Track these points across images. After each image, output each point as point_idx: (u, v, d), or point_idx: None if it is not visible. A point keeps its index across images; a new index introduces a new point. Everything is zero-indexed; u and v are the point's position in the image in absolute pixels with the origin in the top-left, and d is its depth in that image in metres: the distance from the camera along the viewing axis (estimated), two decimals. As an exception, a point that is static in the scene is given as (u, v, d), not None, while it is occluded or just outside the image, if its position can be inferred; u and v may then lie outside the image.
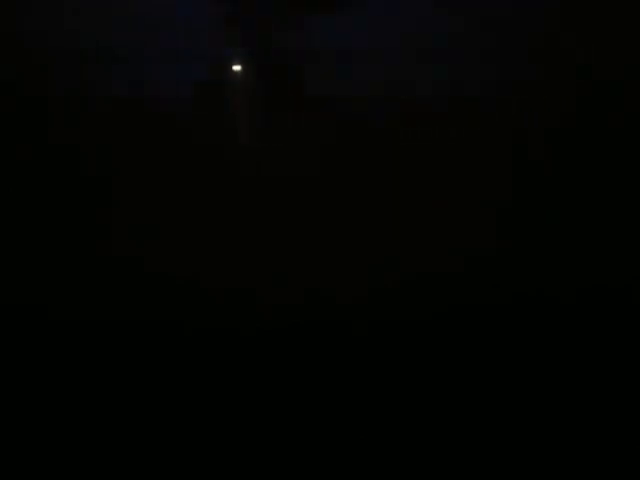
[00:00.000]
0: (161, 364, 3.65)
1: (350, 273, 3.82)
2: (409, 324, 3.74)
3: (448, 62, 3.93)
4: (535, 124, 3.92)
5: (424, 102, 3.94)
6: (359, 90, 3.93)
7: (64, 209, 3.89)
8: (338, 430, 3.51)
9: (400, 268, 3.82)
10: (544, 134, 3.94)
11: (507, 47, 3.93)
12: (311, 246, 3.84)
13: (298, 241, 3.85)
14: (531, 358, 3.68)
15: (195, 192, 3.90)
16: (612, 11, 3.90)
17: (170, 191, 3.90)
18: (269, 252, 3.84)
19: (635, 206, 3.86)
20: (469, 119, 3.94)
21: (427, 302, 3.78)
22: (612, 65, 3.90)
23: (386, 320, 3.75)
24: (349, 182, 3.89)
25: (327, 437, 3.50)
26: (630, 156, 3.89)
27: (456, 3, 3.86)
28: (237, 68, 3.70)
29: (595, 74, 3.91)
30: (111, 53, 3.93)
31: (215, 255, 3.83)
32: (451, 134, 3.94)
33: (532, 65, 3.95)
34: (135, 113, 3.93)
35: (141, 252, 3.82)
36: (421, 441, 3.48)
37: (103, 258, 3.83)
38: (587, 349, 3.68)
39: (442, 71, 3.96)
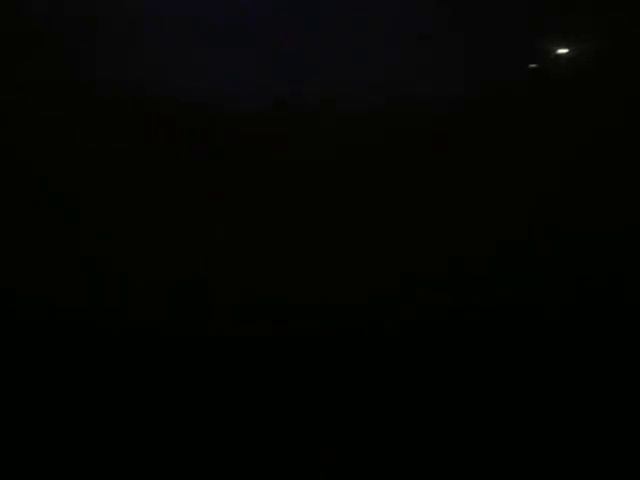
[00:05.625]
0: (155, 367, 3.66)
1: (348, 276, 3.84)
2: (409, 327, 3.76)
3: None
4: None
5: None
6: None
7: (62, 209, 3.90)
8: (338, 433, 3.52)
9: (398, 270, 3.84)
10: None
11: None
12: (309, 248, 3.85)
13: (297, 242, 3.86)
14: (529, 360, 3.70)
15: (194, 193, 3.91)
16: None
17: (168, 191, 3.91)
18: (267, 253, 3.85)
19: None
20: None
21: (426, 305, 3.80)
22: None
23: (386, 322, 3.77)
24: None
25: (327, 439, 3.51)
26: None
27: None
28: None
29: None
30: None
31: (214, 256, 3.84)
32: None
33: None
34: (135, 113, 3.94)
35: (140, 253, 3.83)
36: (425, 442, 3.50)
37: (103, 258, 3.84)
38: (585, 350, 3.70)
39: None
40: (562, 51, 3.98)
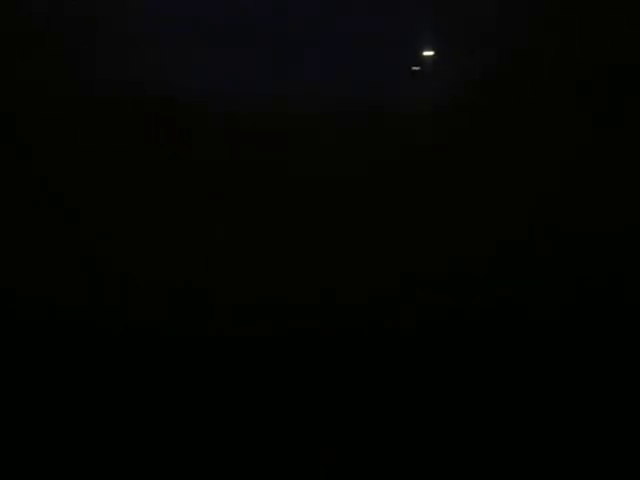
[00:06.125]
0: (155, 367, 3.66)
1: (349, 275, 3.84)
2: (410, 326, 3.76)
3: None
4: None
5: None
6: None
7: (63, 208, 3.90)
8: (338, 433, 3.52)
9: (399, 270, 3.84)
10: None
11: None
12: (311, 248, 3.85)
13: (299, 243, 3.86)
14: (529, 359, 3.69)
15: (195, 194, 3.91)
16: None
17: (168, 191, 3.91)
18: (269, 254, 3.85)
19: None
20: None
21: (426, 304, 3.80)
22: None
23: (387, 322, 3.77)
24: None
25: (327, 439, 3.50)
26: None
27: None
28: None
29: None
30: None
31: (214, 256, 3.84)
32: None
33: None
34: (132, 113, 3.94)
35: (140, 253, 3.83)
36: (423, 442, 3.50)
37: (103, 258, 3.84)
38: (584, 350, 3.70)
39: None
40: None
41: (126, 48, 3.99)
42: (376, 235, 3.91)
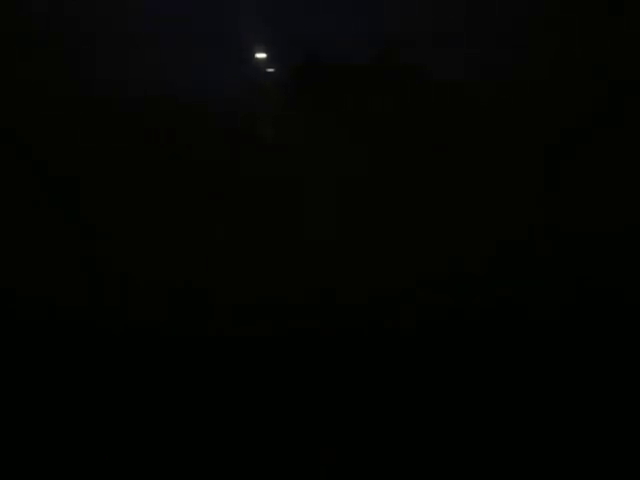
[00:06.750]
0: (155, 367, 3.66)
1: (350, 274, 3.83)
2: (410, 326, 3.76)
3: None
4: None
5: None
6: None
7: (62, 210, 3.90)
8: (338, 433, 3.52)
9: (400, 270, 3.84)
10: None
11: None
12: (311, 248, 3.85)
13: (299, 242, 3.86)
14: (529, 360, 3.69)
15: (194, 193, 3.91)
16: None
17: (168, 191, 3.91)
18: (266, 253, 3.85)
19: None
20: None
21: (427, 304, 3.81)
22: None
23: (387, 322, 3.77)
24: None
25: (327, 439, 3.50)
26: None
27: None
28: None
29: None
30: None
31: (214, 256, 3.84)
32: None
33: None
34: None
35: (140, 253, 3.83)
36: (423, 443, 3.50)
37: (103, 258, 3.84)
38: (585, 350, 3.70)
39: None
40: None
41: (126, 48, 3.99)
42: (376, 235, 3.91)
